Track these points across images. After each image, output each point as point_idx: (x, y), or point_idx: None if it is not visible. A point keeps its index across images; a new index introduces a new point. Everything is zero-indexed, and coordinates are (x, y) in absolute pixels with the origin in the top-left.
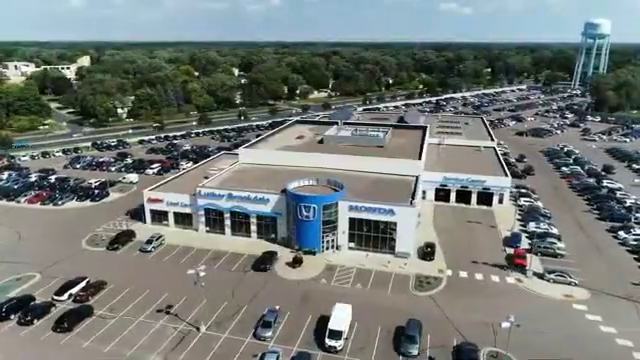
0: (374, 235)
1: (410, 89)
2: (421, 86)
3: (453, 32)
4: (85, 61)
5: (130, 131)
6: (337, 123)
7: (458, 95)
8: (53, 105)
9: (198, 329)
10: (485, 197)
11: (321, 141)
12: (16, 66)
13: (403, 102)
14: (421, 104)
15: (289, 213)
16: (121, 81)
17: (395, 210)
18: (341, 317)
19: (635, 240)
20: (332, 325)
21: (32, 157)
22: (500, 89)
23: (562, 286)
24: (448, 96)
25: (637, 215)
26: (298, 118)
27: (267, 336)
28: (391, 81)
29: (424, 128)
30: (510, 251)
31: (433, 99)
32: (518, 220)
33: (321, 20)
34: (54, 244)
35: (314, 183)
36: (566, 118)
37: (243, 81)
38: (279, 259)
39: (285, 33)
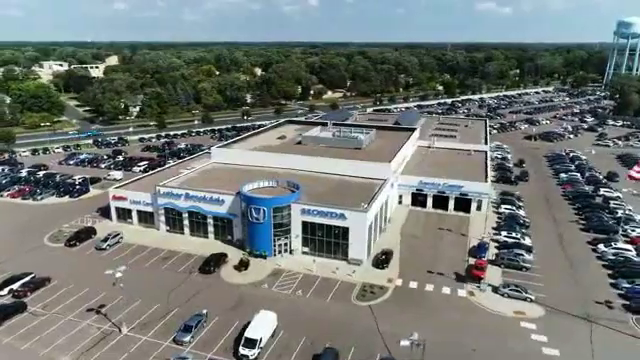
0: (327, 240)
1: (427, 90)
2: (440, 87)
3: (491, 33)
4: (113, 60)
5: (131, 129)
6: (326, 124)
7: (476, 97)
8: (73, 103)
9: (120, 330)
10: (464, 203)
11: (300, 142)
12: (50, 65)
13: (416, 103)
14: (433, 105)
15: (243, 215)
16: (131, 80)
17: (347, 215)
18: (261, 325)
19: (614, 254)
20: (248, 333)
21: (33, 153)
22: (523, 91)
23: (516, 301)
24: (465, 97)
25: (625, 227)
26: (292, 117)
27: (185, 341)
28: (411, 81)
29: (413, 130)
30: (473, 262)
31: (449, 100)
32: (494, 229)
33: (357, 20)
34: (18, 239)
35: (274, 185)
36: (585, 122)
37: (256, 80)
38: (229, 261)
39: (320, 33)
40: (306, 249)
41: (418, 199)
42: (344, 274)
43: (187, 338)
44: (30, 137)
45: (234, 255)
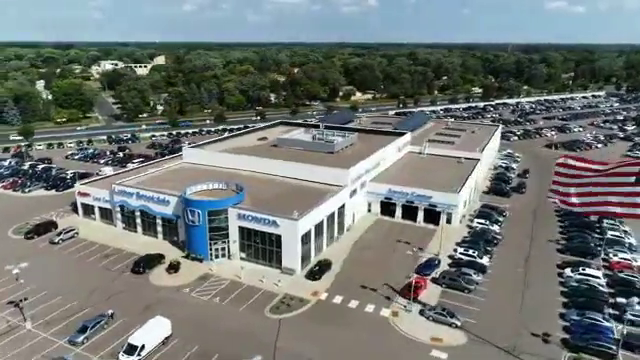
0: (262, 247)
1: (461, 92)
2: (479, 89)
3: (561, 33)
4: (160, 60)
5: (144, 126)
6: (319, 126)
7: (513, 100)
8: (112, 100)
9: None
10: (434, 215)
11: (276, 145)
12: (105, 65)
13: (444, 107)
14: (459, 109)
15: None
16: (156, 79)
17: (279, 222)
18: (149, 331)
19: (577, 281)
20: (131, 339)
21: (49, 147)
22: (569, 95)
23: (439, 326)
24: (501, 101)
25: (609, 250)
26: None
27: (78, 341)
28: (447, 84)
29: (401, 135)
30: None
31: (481, 104)
32: (457, 244)
33: (418, 21)
34: None
35: (223, 187)
36: (625, 130)
37: (283, 81)
38: (164, 263)
39: (380, 34)
40: (244, 255)
41: (389, 208)
42: (270, 283)
43: (80, 339)
44: (55, 132)
45: (177, 256)
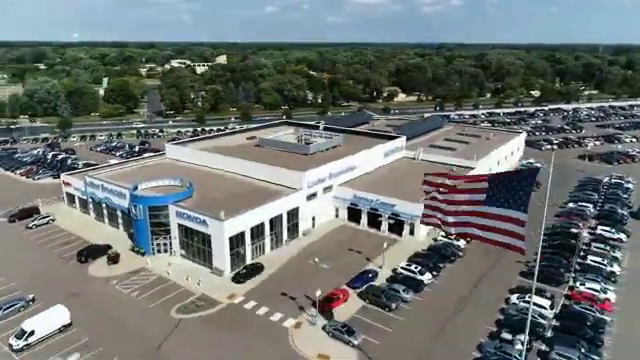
0: (197, 246)
1: (514, 95)
2: (537, 93)
3: None
4: (222, 59)
5: (170, 122)
6: (318, 127)
7: (570, 106)
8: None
9: None
10: (400, 225)
11: (259, 144)
12: (173, 63)
13: (486, 111)
14: (500, 114)
15: None
16: (196, 77)
17: (208, 222)
18: (45, 319)
19: (518, 310)
20: (24, 324)
21: (82, 138)
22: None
23: (335, 343)
24: (555, 106)
25: (579, 278)
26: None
27: None
28: (503, 85)
29: (392, 138)
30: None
31: (532, 109)
32: (409, 259)
33: (502, 21)
34: None
35: (178, 184)
36: None
37: (323, 81)
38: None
39: (461, 34)
40: (184, 252)
41: (356, 215)
42: (193, 283)
43: None
44: (95, 125)
45: (123, 248)
